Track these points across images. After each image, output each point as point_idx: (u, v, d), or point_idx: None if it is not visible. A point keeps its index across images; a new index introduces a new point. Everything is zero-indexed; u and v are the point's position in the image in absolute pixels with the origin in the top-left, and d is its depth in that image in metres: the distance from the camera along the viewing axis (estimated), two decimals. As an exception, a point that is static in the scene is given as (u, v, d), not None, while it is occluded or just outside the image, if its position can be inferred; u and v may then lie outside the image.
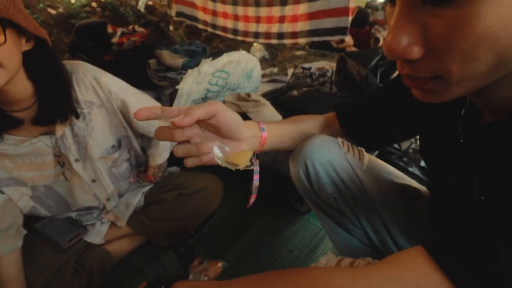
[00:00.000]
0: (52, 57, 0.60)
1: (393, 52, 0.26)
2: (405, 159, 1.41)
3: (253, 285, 0.33)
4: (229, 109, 0.41)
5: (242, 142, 0.45)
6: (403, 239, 0.54)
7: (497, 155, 0.30)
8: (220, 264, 0.85)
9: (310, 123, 0.59)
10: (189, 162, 0.41)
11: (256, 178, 0.46)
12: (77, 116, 0.68)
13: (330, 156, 0.54)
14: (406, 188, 0.56)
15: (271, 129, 0.51)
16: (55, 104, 0.63)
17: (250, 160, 0.40)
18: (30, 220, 0.79)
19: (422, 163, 1.41)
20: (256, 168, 0.44)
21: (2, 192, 0.69)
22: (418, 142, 1.58)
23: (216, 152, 0.39)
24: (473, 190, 0.33)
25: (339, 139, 0.57)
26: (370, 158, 0.58)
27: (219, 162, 0.39)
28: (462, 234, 0.28)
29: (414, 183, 0.58)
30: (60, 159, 0.72)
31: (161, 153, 0.87)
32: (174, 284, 0.36)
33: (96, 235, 0.83)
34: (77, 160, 0.73)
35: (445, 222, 0.41)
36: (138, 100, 0.77)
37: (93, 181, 0.77)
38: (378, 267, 0.29)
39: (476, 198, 0.32)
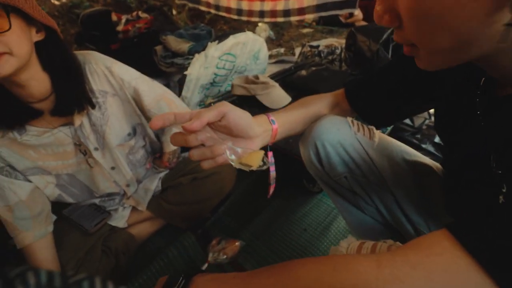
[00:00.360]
0: (63, 48, 0.61)
1: (376, 17, 0.29)
2: (418, 135, 1.38)
3: (275, 276, 0.32)
4: (237, 108, 0.42)
5: (254, 140, 0.45)
6: (416, 215, 0.55)
7: (509, 131, 0.30)
8: (237, 243, 0.88)
9: (319, 104, 0.58)
10: (205, 165, 0.42)
11: (272, 169, 0.47)
12: (93, 106, 0.70)
13: (339, 136, 0.54)
14: (417, 165, 0.56)
15: (281, 119, 0.51)
16: (71, 95, 0.65)
17: (262, 160, 0.41)
18: (58, 208, 0.84)
19: (436, 139, 1.38)
20: (271, 160, 0.45)
21: (29, 181, 0.73)
22: (432, 118, 1.54)
23: (229, 154, 0.40)
24: (490, 164, 0.32)
25: (349, 119, 0.57)
26: (381, 136, 0.57)
27: (232, 164, 0.40)
28: (487, 216, 0.28)
29: (426, 159, 0.58)
30: (82, 148, 0.75)
31: None
32: (194, 277, 0.37)
33: (120, 219, 0.88)
34: (96, 149, 0.75)
35: (466, 201, 0.41)
36: (149, 88, 0.78)
37: (112, 168, 0.80)
38: (402, 253, 0.28)
39: (493, 172, 0.31)
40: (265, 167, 0.42)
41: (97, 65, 0.70)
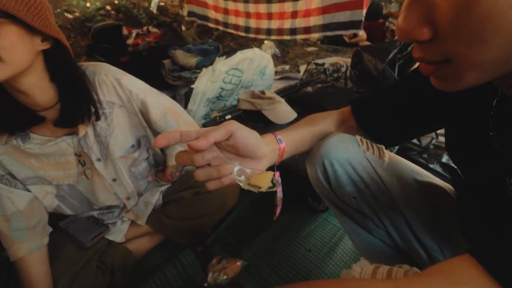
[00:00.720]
0: (69, 59, 0.61)
1: (403, 33, 0.26)
2: (425, 155, 1.36)
3: None
4: (245, 127, 0.41)
5: (262, 160, 0.44)
6: (428, 239, 0.52)
7: None
8: (238, 263, 0.84)
9: (325, 121, 0.57)
10: (211, 185, 0.41)
11: (279, 190, 0.46)
12: (99, 117, 0.69)
13: (348, 154, 0.52)
14: (429, 186, 0.54)
15: (288, 138, 0.50)
16: (75, 106, 0.64)
17: (272, 181, 0.40)
18: (54, 219, 0.82)
19: (444, 159, 1.35)
20: (278, 180, 0.44)
21: (29, 191, 0.71)
22: (440, 138, 1.52)
23: (238, 175, 0.39)
24: (506, 186, 0.31)
25: (358, 137, 0.56)
26: (391, 156, 0.56)
27: (241, 185, 0.39)
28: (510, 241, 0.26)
29: (437, 180, 0.56)
30: (81, 158, 0.73)
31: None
32: None
33: (118, 233, 0.85)
34: (99, 160, 0.74)
35: (483, 225, 0.39)
36: (157, 100, 0.78)
37: (114, 180, 0.79)
38: (424, 280, 0.26)
39: (510, 195, 0.29)
40: (274, 189, 0.40)
41: (107, 77, 0.70)
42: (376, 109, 0.55)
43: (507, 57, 0.23)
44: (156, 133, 0.84)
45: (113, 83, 0.71)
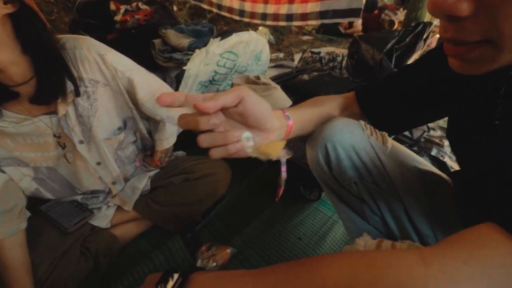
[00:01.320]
0: (39, 24, 0.54)
1: (439, 7, 0.23)
2: (415, 148, 1.38)
3: (295, 273, 0.27)
4: (256, 94, 0.37)
5: (270, 134, 0.42)
6: (425, 225, 0.53)
7: None
8: (228, 250, 0.83)
9: (330, 105, 0.56)
10: (215, 153, 0.37)
11: (283, 169, 0.44)
12: (78, 94, 0.64)
13: (353, 139, 0.51)
14: (429, 175, 0.54)
15: (296, 116, 0.48)
16: (52, 80, 0.58)
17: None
18: (35, 203, 0.77)
19: (433, 153, 1.38)
20: (283, 160, 0.41)
21: (3, 172, 0.66)
22: (431, 131, 1.54)
23: (246, 141, 0.36)
24: (506, 170, 0.30)
25: (362, 122, 0.55)
26: (393, 143, 0.56)
27: (249, 151, 0.36)
28: None
29: (436, 170, 0.57)
30: (61, 140, 0.68)
31: (168, 137, 0.83)
32: (192, 275, 0.33)
33: (102, 219, 0.81)
34: (81, 142, 0.69)
35: (490, 210, 0.39)
36: (145, 80, 0.73)
37: (98, 163, 0.74)
38: (449, 247, 0.25)
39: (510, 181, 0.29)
40: (283, 158, 0.38)
41: (89, 52, 0.64)
42: (379, 96, 0.54)
43: None
44: (143, 115, 0.79)
45: (96, 59, 0.65)
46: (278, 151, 0.37)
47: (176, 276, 0.32)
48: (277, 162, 0.44)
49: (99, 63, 0.65)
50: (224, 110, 0.37)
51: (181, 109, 0.34)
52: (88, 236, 0.78)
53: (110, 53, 0.67)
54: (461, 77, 0.41)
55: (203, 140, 0.36)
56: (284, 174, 0.45)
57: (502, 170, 0.32)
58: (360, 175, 0.53)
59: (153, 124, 0.84)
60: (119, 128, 0.75)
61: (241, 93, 0.35)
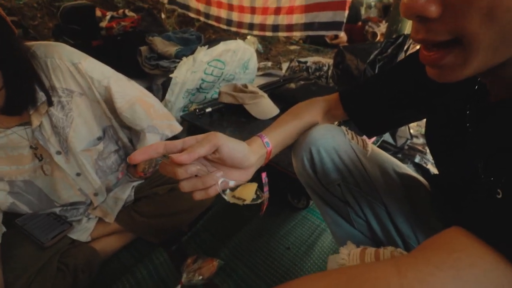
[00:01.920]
0: (7, 32, 0.52)
1: (410, 9, 0.25)
2: (399, 155, 1.41)
3: None
4: (231, 139, 0.40)
5: (249, 169, 0.44)
6: (406, 227, 0.54)
7: (503, 136, 0.30)
8: (215, 262, 0.81)
9: (311, 112, 0.57)
10: (197, 196, 0.39)
11: (266, 189, 0.46)
12: (51, 103, 0.61)
13: (334, 142, 0.54)
14: (407, 178, 0.57)
15: (275, 138, 0.50)
16: (22, 89, 0.56)
17: (256, 192, 0.40)
18: (10, 216, 0.72)
19: (417, 159, 1.42)
20: (265, 180, 0.44)
21: None
22: (414, 139, 1.58)
23: (222, 188, 0.38)
24: (478, 174, 0.32)
25: (343, 127, 0.57)
26: (373, 147, 0.58)
27: (226, 198, 0.39)
28: (496, 210, 0.26)
29: (414, 173, 0.59)
30: (38, 152, 0.65)
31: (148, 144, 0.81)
32: None
33: (82, 232, 0.78)
34: (58, 153, 0.66)
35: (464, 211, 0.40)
36: (123, 88, 0.71)
37: (78, 174, 0.71)
38: (421, 255, 0.26)
39: (482, 181, 0.31)
40: (259, 201, 0.40)
41: (61, 60, 0.62)
42: (363, 97, 0.56)
43: (507, 42, 0.24)
44: (123, 124, 0.77)
45: (70, 68, 0.62)
46: (251, 195, 0.39)
47: None
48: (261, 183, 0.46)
49: (72, 72, 0.63)
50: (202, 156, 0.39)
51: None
52: (66, 250, 0.74)
53: (85, 61, 0.65)
54: (439, 84, 0.43)
55: (185, 186, 0.38)
56: (266, 194, 0.47)
57: (472, 176, 0.33)
58: (343, 178, 0.55)
59: (134, 134, 0.81)
60: (99, 138, 0.72)
61: (216, 142, 0.37)
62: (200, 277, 0.76)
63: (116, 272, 0.82)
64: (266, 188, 0.46)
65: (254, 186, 0.40)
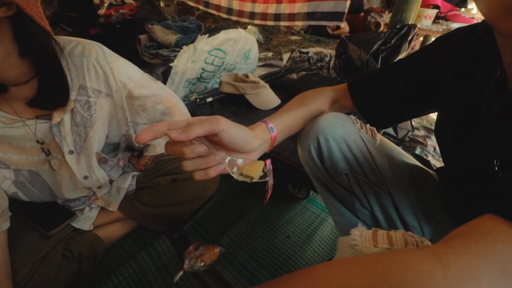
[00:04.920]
0: (33, 29, 0.51)
1: None
2: (400, 147, 1.42)
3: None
4: (232, 125, 0.39)
5: (252, 153, 0.43)
6: (411, 216, 0.54)
7: None
8: (216, 250, 0.82)
9: (318, 100, 0.56)
10: (198, 176, 0.39)
11: (270, 177, 0.46)
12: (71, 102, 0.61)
13: (344, 131, 0.52)
14: (416, 169, 0.56)
15: (280, 124, 0.49)
16: (56, 85, 0.56)
17: (263, 170, 0.40)
18: (13, 203, 0.73)
19: (417, 151, 1.42)
20: (270, 167, 0.43)
21: None
22: (415, 131, 1.58)
23: (230, 166, 0.38)
24: (492, 167, 0.31)
25: (352, 116, 0.56)
26: (381, 137, 0.58)
27: (234, 176, 0.39)
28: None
29: (421, 164, 0.59)
30: (44, 147, 0.65)
31: (162, 142, 0.81)
32: None
33: (85, 221, 0.78)
34: (71, 152, 0.66)
35: (474, 203, 0.40)
36: (148, 90, 0.70)
37: (85, 178, 0.71)
38: (460, 244, 0.24)
39: (497, 176, 0.30)
40: (266, 178, 0.40)
41: (97, 60, 0.62)
42: (372, 89, 0.55)
43: None
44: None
45: (103, 69, 0.62)
46: (259, 172, 0.39)
47: None
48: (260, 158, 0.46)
49: (106, 72, 0.63)
50: (206, 137, 0.39)
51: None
52: (70, 238, 0.75)
53: (116, 63, 0.64)
54: (454, 76, 0.43)
55: (187, 165, 0.38)
56: (271, 181, 0.46)
57: (486, 172, 0.32)
58: (351, 168, 0.54)
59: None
60: (114, 146, 0.73)
61: (216, 127, 0.36)
62: (202, 264, 0.78)
63: (119, 258, 0.83)
64: (270, 175, 0.46)
65: (261, 164, 0.40)
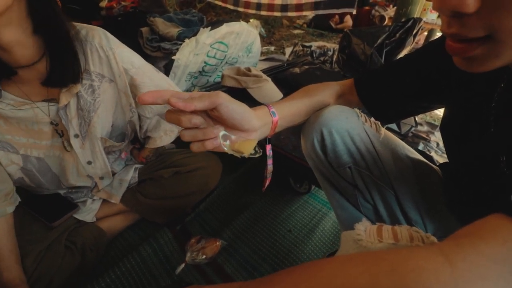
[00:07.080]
0: (53, 5, 0.52)
1: (445, 3, 0.23)
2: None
3: (304, 283, 0.24)
4: (233, 101, 0.39)
5: (252, 133, 0.43)
6: (414, 211, 0.54)
7: None
8: (218, 243, 0.83)
9: (324, 93, 0.56)
10: (194, 147, 0.40)
11: (270, 163, 0.44)
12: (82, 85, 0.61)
13: (348, 124, 0.52)
14: (419, 163, 0.56)
15: (283, 110, 0.49)
16: (67, 63, 0.56)
17: (254, 148, 0.41)
18: (18, 193, 0.73)
19: (420, 147, 1.41)
20: (270, 153, 0.42)
21: None
22: (419, 127, 1.57)
23: (222, 139, 0.39)
24: (498, 164, 0.31)
25: (356, 110, 0.56)
26: (386, 132, 0.57)
27: (225, 149, 0.40)
28: None
29: (424, 159, 0.58)
30: (59, 128, 0.66)
31: (162, 135, 0.81)
32: None
33: (87, 213, 0.79)
34: (76, 136, 0.67)
35: (479, 199, 0.39)
36: (150, 79, 0.70)
37: (89, 163, 0.71)
38: (468, 243, 0.23)
39: (503, 173, 0.30)
40: (257, 155, 0.40)
41: (101, 44, 0.62)
42: (378, 84, 0.55)
43: None
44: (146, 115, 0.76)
45: (106, 53, 0.62)
46: (250, 149, 0.40)
47: None
48: (265, 156, 0.46)
49: (109, 57, 0.63)
50: (205, 111, 0.39)
51: None
52: (73, 229, 0.75)
53: (118, 49, 0.64)
54: (461, 75, 0.42)
55: (185, 135, 0.39)
56: (270, 167, 0.46)
57: (492, 169, 0.32)
58: (354, 161, 0.54)
59: (144, 121, 0.81)
60: (122, 134, 0.73)
61: (215, 100, 0.36)
62: (204, 257, 0.78)
63: (122, 250, 0.84)
64: (270, 161, 0.45)
65: (254, 141, 0.41)
